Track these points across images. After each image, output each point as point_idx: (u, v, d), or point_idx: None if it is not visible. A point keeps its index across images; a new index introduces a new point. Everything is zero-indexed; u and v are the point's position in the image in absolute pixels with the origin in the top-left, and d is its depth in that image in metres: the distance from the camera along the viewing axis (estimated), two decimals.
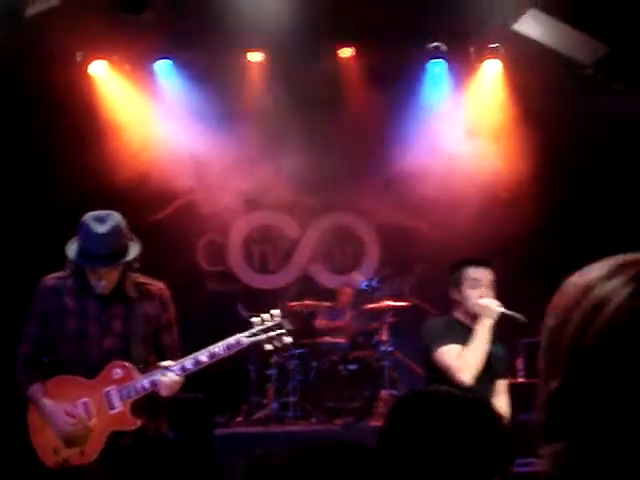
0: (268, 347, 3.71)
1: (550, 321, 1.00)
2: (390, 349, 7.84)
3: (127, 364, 3.65)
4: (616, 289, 0.91)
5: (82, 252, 3.56)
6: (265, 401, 7.66)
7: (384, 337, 7.97)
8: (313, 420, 7.16)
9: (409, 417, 1.45)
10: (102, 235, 3.52)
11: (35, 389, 3.67)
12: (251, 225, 9.70)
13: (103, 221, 3.57)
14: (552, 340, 0.98)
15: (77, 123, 7.87)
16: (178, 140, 8.59)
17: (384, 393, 7.52)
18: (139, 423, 3.63)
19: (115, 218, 3.61)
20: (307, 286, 9.58)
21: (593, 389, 0.90)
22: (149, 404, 3.69)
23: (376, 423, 6.98)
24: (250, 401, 7.61)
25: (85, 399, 3.62)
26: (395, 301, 8.03)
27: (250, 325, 3.69)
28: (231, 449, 6.62)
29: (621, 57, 7.55)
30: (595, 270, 0.97)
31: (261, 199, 9.25)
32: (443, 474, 1.34)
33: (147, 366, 3.71)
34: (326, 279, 9.77)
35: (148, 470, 3.71)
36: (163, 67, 8.59)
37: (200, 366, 3.61)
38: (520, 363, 7.92)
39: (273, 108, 8.61)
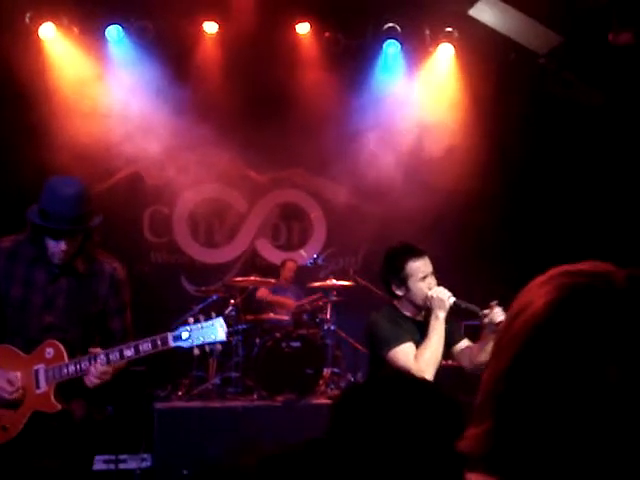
0: (196, 352, 3.60)
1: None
2: (333, 328, 7.86)
3: (59, 344, 3.51)
4: (539, 295, 0.99)
5: (45, 214, 3.40)
6: (207, 376, 7.62)
7: (328, 315, 7.99)
8: (254, 396, 7.14)
9: (361, 402, 1.43)
10: (67, 197, 3.39)
11: None
12: (198, 198, 9.58)
13: (68, 185, 3.44)
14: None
15: (23, 86, 7.62)
16: (126, 109, 8.40)
17: (327, 371, 7.56)
18: (59, 407, 3.50)
19: (80, 183, 3.49)
20: (252, 262, 9.55)
21: (512, 378, 0.98)
22: (77, 388, 3.54)
23: (318, 401, 7.01)
24: (192, 375, 7.56)
25: (17, 373, 3.49)
26: (339, 280, 8.04)
27: (185, 323, 3.53)
28: (170, 423, 6.57)
29: (574, 48, 7.65)
30: (539, 278, 1.05)
31: (209, 172, 9.13)
32: (398, 458, 1.34)
33: (85, 348, 3.55)
34: (272, 255, 9.74)
35: (70, 454, 3.58)
36: (114, 33, 8.38)
37: (125, 359, 3.46)
38: None
39: (225, 80, 8.50)
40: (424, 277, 3.77)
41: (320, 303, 8.16)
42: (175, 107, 8.41)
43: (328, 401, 7.02)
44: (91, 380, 3.46)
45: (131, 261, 8.82)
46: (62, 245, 3.45)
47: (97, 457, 6.18)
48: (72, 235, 3.47)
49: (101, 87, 8.41)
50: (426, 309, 3.84)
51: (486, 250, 8.61)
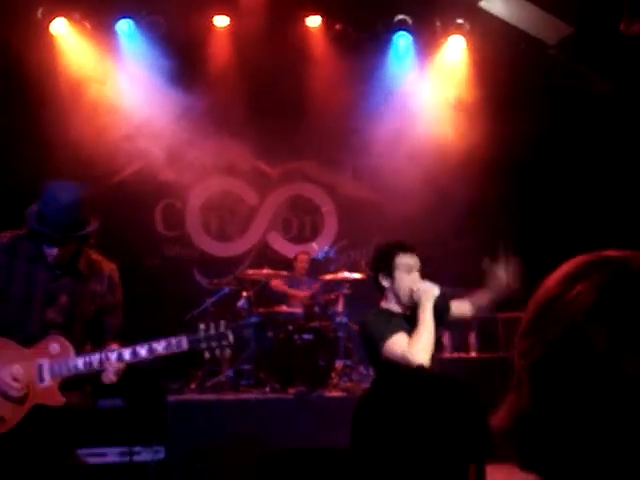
0: (207, 355, 3.66)
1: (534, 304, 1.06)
2: (345, 320, 7.87)
3: (66, 341, 3.56)
4: (579, 296, 0.99)
5: (41, 218, 3.50)
6: (220, 369, 7.65)
7: (340, 308, 8.00)
8: (267, 389, 7.17)
9: (387, 397, 1.44)
10: (63, 205, 3.46)
11: None
12: (210, 191, 9.61)
13: (68, 191, 3.52)
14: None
15: (35, 82, 7.65)
16: (137, 102, 8.43)
17: (339, 364, 7.57)
18: (64, 401, 3.54)
19: (80, 190, 3.56)
20: (264, 254, 9.57)
21: (551, 377, 0.99)
22: (77, 381, 3.60)
23: (330, 393, 7.03)
24: (204, 368, 7.59)
25: (17, 366, 3.50)
26: (351, 273, 8.05)
27: (196, 329, 3.64)
28: (184, 416, 6.61)
29: (585, 39, 7.62)
30: (568, 266, 1.05)
31: (221, 165, 9.15)
32: (425, 455, 1.35)
33: (84, 347, 3.63)
34: (283, 248, 9.76)
35: (65, 441, 3.63)
36: (125, 27, 8.41)
37: (137, 359, 3.54)
38: (473, 338, 8.03)
39: (236, 73, 8.51)
40: (410, 271, 3.91)
41: (332, 296, 8.17)
42: (186, 101, 8.43)
43: (341, 393, 7.04)
44: (109, 377, 3.53)
45: (143, 254, 8.96)
46: (54, 251, 3.55)
47: (111, 449, 6.25)
48: (64, 243, 3.55)
49: (112, 81, 8.44)
50: (413, 306, 3.92)
51: (494, 245, 8.59)
